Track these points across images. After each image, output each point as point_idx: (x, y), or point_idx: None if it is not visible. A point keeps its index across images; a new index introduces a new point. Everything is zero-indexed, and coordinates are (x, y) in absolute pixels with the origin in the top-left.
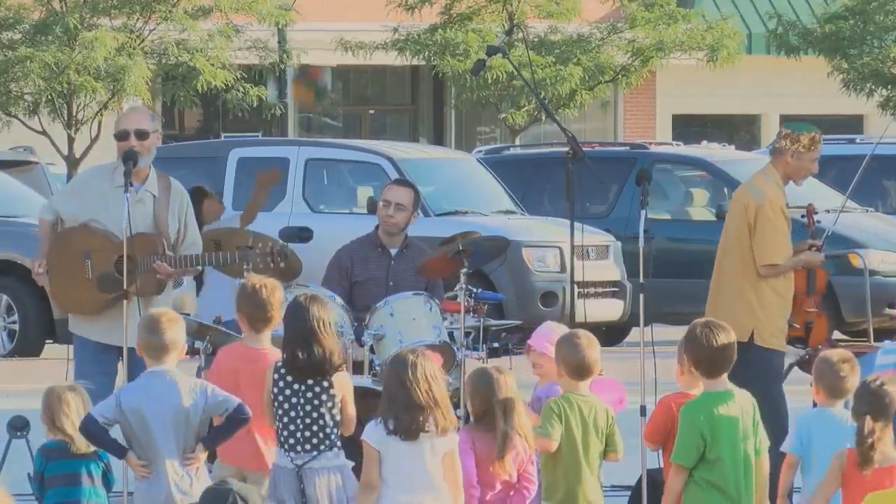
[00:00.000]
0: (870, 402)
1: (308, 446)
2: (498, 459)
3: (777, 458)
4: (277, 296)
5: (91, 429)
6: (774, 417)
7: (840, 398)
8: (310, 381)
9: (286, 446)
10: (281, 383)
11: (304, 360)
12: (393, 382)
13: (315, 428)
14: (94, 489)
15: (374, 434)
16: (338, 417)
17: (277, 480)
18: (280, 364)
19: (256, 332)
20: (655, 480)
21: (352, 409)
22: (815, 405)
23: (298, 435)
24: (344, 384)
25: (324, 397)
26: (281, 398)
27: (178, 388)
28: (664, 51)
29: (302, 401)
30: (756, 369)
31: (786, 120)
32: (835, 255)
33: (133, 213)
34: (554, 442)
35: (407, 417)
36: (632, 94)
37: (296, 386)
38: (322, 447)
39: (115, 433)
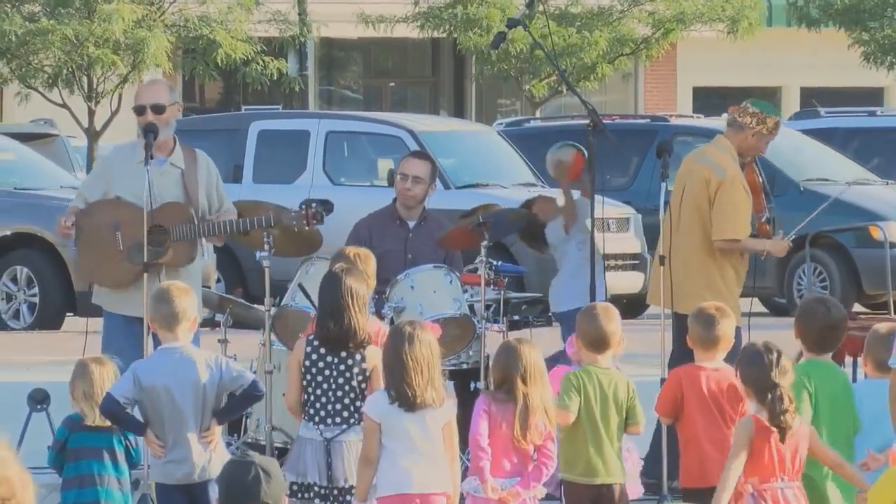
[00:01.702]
0: (781, 373)
1: (339, 419)
2: (519, 430)
3: None
4: (372, 264)
5: (111, 408)
6: None
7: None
8: (343, 354)
9: (316, 419)
10: (314, 356)
11: (338, 332)
12: (391, 354)
13: (347, 401)
14: (117, 465)
15: (375, 406)
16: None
17: (303, 452)
18: (313, 336)
19: None
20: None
21: (378, 384)
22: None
23: (329, 407)
24: (376, 357)
25: (356, 370)
26: (314, 370)
27: (195, 363)
28: (685, 23)
29: (335, 373)
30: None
31: (806, 92)
32: (855, 227)
33: (161, 186)
34: (571, 414)
35: (406, 389)
36: (652, 67)
37: (329, 358)
38: (352, 420)
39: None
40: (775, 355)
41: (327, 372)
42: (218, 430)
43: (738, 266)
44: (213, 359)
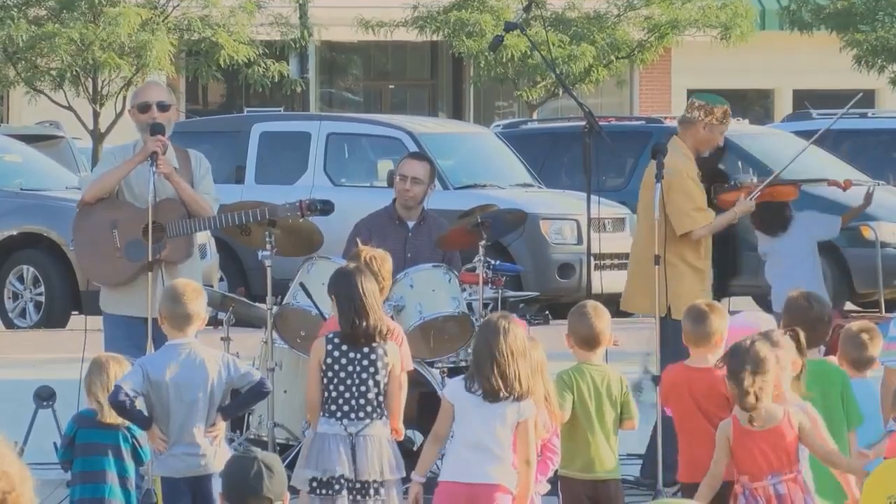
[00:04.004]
0: (746, 360)
1: (362, 413)
2: None
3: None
4: (388, 266)
5: (119, 400)
6: None
7: (865, 369)
8: (365, 349)
9: (338, 414)
10: (336, 353)
11: (362, 328)
12: (481, 345)
13: (370, 395)
14: (122, 463)
15: (452, 389)
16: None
17: (326, 448)
18: (333, 335)
19: None
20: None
21: (396, 382)
22: None
23: (353, 402)
24: (396, 352)
25: (379, 364)
26: (336, 367)
27: (203, 359)
28: (679, 28)
29: (358, 368)
30: (676, 344)
31: (799, 94)
32: (847, 227)
33: (156, 185)
34: (565, 413)
35: (485, 380)
36: (647, 70)
37: (351, 354)
38: (375, 415)
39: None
40: (748, 342)
41: (350, 368)
42: (223, 426)
43: (691, 258)
44: (219, 356)
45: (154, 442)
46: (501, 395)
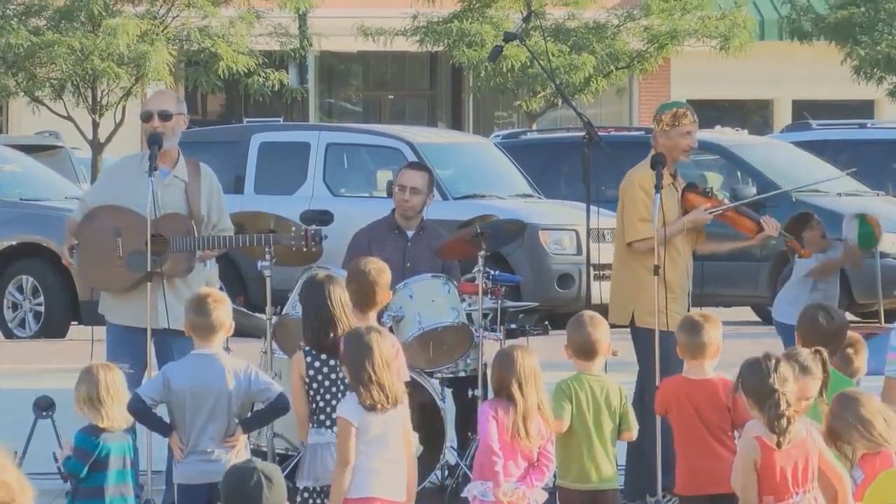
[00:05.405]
0: (780, 380)
1: None
2: (523, 432)
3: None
4: (385, 277)
5: (138, 407)
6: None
7: (850, 379)
8: None
9: (328, 423)
10: (316, 363)
11: (328, 339)
12: (356, 359)
13: None
14: (125, 471)
15: (351, 409)
16: None
17: (319, 457)
18: (309, 347)
19: (362, 312)
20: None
21: None
22: None
23: None
24: None
25: None
26: (320, 377)
27: (224, 370)
28: (678, 38)
29: (341, 376)
30: (642, 350)
31: (798, 105)
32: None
33: (164, 198)
34: (564, 422)
35: (376, 392)
36: (647, 81)
37: (332, 363)
38: None
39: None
40: (773, 362)
41: (333, 376)
42: (243, 438)
43: (653, 265)
44: (242, 368)
45: (174, 449)
46: (392, 404)
